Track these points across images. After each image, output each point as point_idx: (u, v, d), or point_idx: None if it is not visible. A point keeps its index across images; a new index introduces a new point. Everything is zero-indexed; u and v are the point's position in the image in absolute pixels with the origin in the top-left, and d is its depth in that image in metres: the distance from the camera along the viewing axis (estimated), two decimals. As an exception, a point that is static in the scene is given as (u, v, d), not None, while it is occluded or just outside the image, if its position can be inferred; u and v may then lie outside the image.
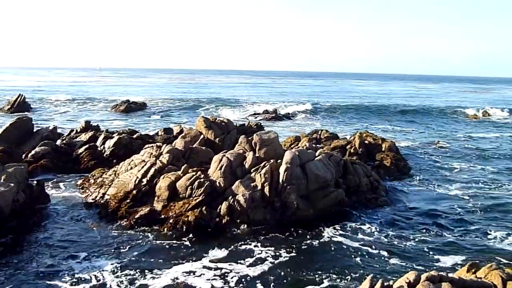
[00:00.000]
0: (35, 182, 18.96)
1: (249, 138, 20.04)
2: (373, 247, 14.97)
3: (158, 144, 22.34)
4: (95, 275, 12.51)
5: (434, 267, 13.29)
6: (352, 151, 26.92)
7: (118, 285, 12.07)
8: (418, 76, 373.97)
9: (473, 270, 9.75)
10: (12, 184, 16.25)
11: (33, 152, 24.41)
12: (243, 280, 12.56)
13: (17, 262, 13.22)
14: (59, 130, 30.46)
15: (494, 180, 24.45)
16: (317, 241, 15.40)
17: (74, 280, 12.27)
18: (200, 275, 12.72)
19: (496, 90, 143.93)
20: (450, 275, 9.20)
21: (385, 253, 14.49)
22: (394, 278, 9.92)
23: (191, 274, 12.81)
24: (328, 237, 15.72)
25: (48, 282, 12.15)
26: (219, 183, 17.44)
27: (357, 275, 12.87)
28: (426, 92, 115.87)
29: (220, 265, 13.39)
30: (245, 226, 16.28)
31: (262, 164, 17.87)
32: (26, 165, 19.06)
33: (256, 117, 50.67)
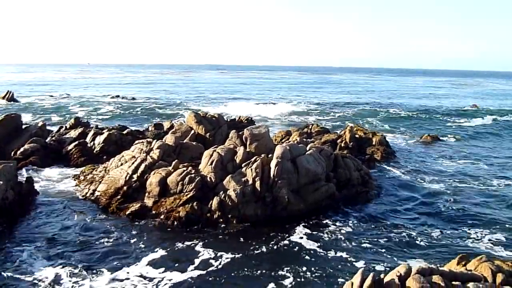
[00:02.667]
0: (24, 179, 18.79)
1: (240, 133, 19.99)
2: (361, 241, 15.06)
3: (148, 139, 22.20)
4: (56, 272, 12.49)
5: (422, 261, 13.40)
6: (343, 145, 27.03)
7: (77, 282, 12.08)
8: (416, 70, 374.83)
9: (463, 263, 9.83)
10: (1, 182, 16.10)
11: (22, 149, 24.16)
12: (221, 273, 12.67)
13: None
14: (48, 127, 30.13)
15: (484, 175, 24.60)
16: (305, 236, 15.41)
17: (36, 275, 12.30)
18: (179, 271, 12.82)
19: (487, 84, 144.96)
20: (440, 268, 9.27)
21: (373, 247, 14.58)
22: (383, 271, 9.97)
23: (170, 268, 13.00)
24: (316, 231, 15.77)
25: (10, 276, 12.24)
26: (210, 178, 17.38)
27: (343, 269, 12.93)
28: (419, 87, 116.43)
29: (201, 262, 13.40)
30: (236, 221, 16.23)
31: (253, 159, 17.84)
32: (15, 162, 18.88)
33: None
